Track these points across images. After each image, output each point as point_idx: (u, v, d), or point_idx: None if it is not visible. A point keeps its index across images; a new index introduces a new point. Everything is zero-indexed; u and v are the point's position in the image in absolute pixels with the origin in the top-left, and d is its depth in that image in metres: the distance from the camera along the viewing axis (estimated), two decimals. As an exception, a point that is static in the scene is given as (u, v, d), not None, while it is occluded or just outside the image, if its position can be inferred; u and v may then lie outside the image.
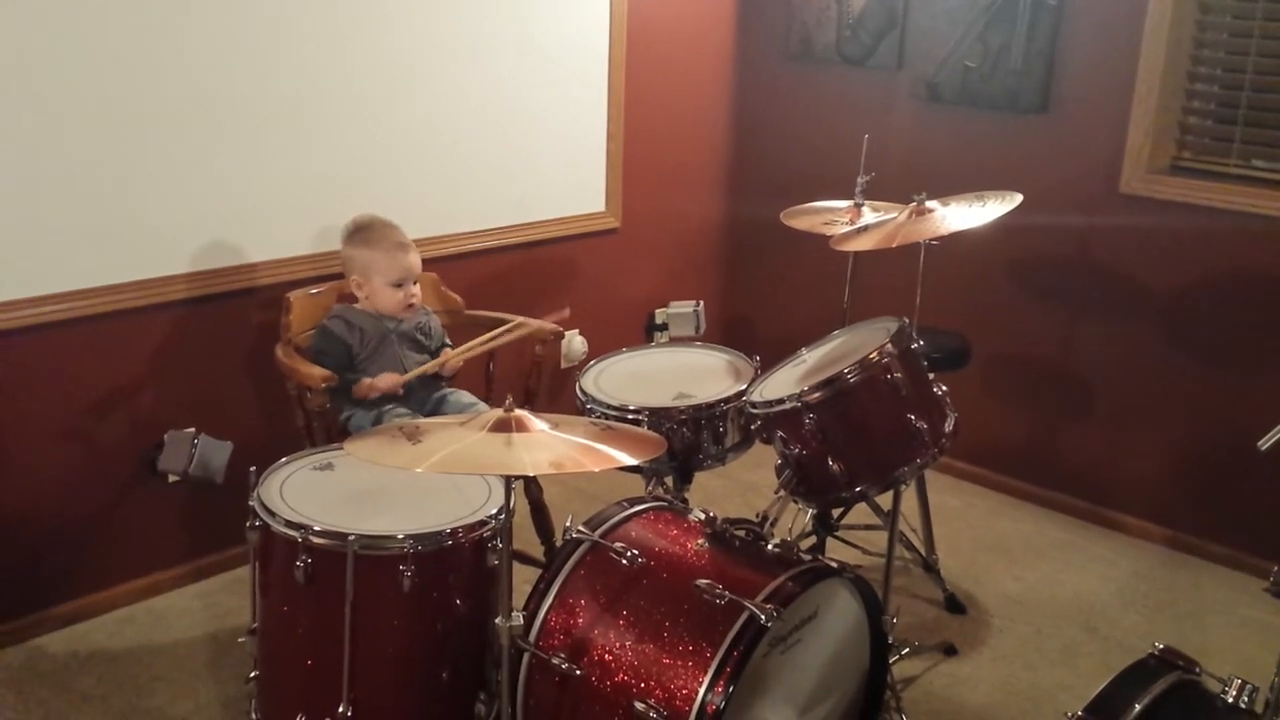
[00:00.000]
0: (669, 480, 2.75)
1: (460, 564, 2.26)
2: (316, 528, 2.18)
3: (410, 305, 2.90)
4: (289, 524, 2.19)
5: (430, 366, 2.88)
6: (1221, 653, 3.03)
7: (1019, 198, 2.71)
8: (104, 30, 2.77)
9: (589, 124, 3.89)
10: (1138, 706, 1.86)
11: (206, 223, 3.04)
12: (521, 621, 2.11)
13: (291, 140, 3.13)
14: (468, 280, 3.35)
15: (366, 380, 2.80)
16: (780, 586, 2.11)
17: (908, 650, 2.92)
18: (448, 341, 3.04)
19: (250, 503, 2.28)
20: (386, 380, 2.80)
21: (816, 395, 2.37)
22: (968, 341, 3.31)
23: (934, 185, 2.83)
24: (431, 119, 3.43)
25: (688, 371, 2.92)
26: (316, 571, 2.18)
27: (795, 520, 3.17)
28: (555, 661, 2.15)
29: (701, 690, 2.00)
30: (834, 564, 2.25)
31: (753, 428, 2.58)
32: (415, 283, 2.91)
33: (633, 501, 2.43)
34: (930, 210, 2.73)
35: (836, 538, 3.16)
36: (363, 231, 2.89)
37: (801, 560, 2.23)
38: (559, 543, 2.45)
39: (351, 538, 2.15)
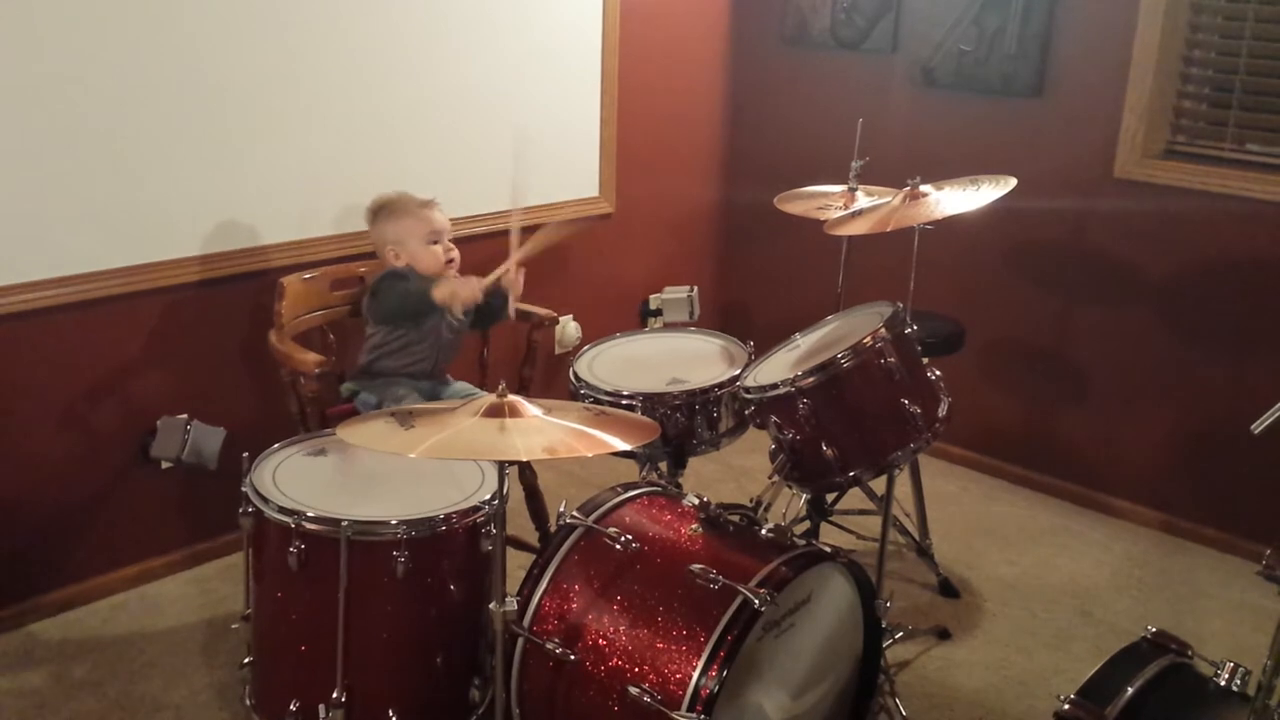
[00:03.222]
0: (663, 465, 2.75)
1: (454, 549, 2.26)
2: (310, 514, 2.17)
3: (450, 261, 2.93)
4: (282, 510, 2.19)
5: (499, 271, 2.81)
6: (1215, 636, 3.04)
7: (1013, 182, 2.70)
8: (112, 13, 2.75)
9: (582, 109, 3.87)
10: (1130, 690, 1.86)
11: (201, 209, 3.02)
12: (515, 607, 2.10)
13: (285, 126, 3.11)
14: (462, 265, 3.34)
15: (451, 279, 2.79)
16: (774, 571, 2.11)
17: (901, 634, 2.93)
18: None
19: (243, 489, 2.28)
20: (473, 283, 2.76)
21: (810, 380, 2.37)
22: (962, 326, 3.31)
23: (928, 169, 2.82)
24: (425, 104, 3.40)
25: (682, 357, 2.92)
26: (310, 557, 2.18)
27: (789, 505, 3.18)
28: (549, 647, 2.15)
29: (695, 675, 2.00)
30: (828, 549, 2.25)
31: (747, 413, 2.58)
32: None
33: (627, 487, 2.43)
34: (924, 194, 2.73)
35: (830, 522, 3.17)
36: (385, 207, 2.95)
37: (795, 545, 2.23)
38: (553, 528, 2.45)
39: (345, 524, 2.15)
